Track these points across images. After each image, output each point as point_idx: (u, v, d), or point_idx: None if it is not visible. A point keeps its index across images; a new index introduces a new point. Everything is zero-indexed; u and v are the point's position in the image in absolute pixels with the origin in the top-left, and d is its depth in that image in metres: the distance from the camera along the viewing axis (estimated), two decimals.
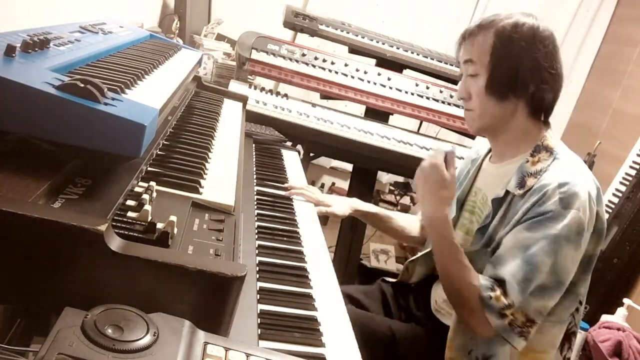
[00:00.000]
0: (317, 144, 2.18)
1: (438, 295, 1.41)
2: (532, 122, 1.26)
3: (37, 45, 0.85)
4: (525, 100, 1.23)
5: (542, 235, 1.13)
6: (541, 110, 1.25)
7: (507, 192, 1.24)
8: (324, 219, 1.51)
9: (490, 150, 1.40)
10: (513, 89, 1.21)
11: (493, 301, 1.14)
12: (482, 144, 1.49)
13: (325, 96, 2.36)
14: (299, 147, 2.21)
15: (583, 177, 1.18)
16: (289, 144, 1.92)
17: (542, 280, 1.13)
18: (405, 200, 3.61)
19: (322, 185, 3.78)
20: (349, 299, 1.45)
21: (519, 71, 1.20)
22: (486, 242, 1.24)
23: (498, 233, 1.23)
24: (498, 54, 1.21)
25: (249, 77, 2.53)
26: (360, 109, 2.50)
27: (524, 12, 1.24)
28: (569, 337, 1.27)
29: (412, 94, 2.41)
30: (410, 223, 1.62)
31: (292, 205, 1.38)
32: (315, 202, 1.47)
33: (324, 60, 2.33)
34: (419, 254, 1.49)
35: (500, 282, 1.15)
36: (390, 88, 2.38)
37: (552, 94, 1.24)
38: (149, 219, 0.71)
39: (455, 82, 2.64)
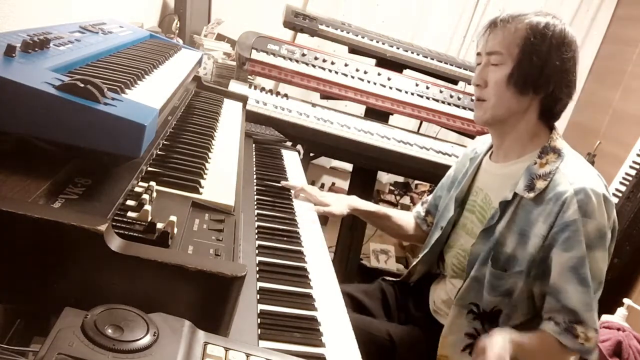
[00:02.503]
0: (317, 144, 2.18)
1: (437, 295, 1.41)
2: (541, 124, 1.26)
3: (37, 45, 0.85)
4: (541, 99, 1.23)
5: (579, 253, 1.15)
6: (553, 112, 1.25)
7: (515, 195, 1.23)
8: (324, 218, 1.51)
9: (490, 148, 1.40)
10: (535, 84, 1.21)
11: (586, 345, 1.16)
12: (479, 142, 1.48)
13: (325, 96, 2.36)
14: (299, 147, 2.21)
15: (593, 179, 1.19)
16: (289, 144, 1.92)
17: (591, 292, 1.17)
18: (405, 200, 3.61)
19: (322, 185, 3.78)
20: (350, 298, 1.44)
21: (545, 68, 1.20)
22: (494, 246, 1.24)
23: (507, 239, 1.23)
24: (529, 47, 1.20)
25: (249, 77, 2.53)
26: (360, 109, 2.50)
27: (552, 15, 1.25)
28: None
29: (412, 94, 2.41)
30: (407, 221, 1.62)
31: (292, 205, 1.38)
32: (314, 202, 1.46)
33: (324, 60, 2.33)
34: (421, 255, 1.49)
35: (572, 314, 1.16)
36: (390, 88, 2.38)
37: (567, 99, 1.24)
38: (149, 219, 0.71)
39: (455, 82, 2.64)
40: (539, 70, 1.20)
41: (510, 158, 1.30)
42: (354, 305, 1.45)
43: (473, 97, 1.33)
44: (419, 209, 1.63)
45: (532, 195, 1.20)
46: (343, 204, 1.53)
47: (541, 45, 1.19)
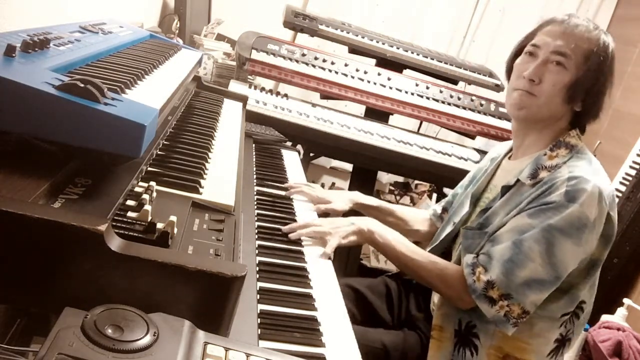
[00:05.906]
0: (317, 144, 2.18)
1: (437, 295, 1.41)
2: (565, 132, 1.27)
3: (37, 45, 0.85)
4: (577, 111, 1.24)
5: (538, 222, 1.13)
6: (581, 125, 1.27)
7: (518, 181, 1.24)
8: (325, 216, 1.51)
9: (510, 150, 1.40)
10: (585, 98, 1.22)
11: (476, 284, 1.16)
12: (503, 145, 1.49)
13: (325, 96, 2.36)
14: (299, 147, 2.21)
15: (598, 176, 1.17)
16: (289, 144, 1.92)
17: (539, 273, 1.13)
18: (405, 200, 3.61)
19: (322, 185, 3.77)
20: (353, 291, 1.44)
21: (597, 86, 1.21)
22: (483, 222, 1.25)
23: (498, 216, 1.23)
24: (594, 62, 1.20)
25: (249, 77, 2.53)
26: (360, 109, 2.50)
27: (610, 35, 1.25)
28: (563, 342, 1.25)
29: (412, 94, 2.41)
30: (413, 216, 1.62)
31: (292, 205, 1.38)
32: (315, 200, 1.46)
33: (324, 60, 2.33)
34: (427, 249, 1.48)
35: (488, 258, 1.17)
36: (390, 88, 2.38)
37: (594, 118, 1.26)
38: (149, 219, 0.71)
39: (455, 82, 2.64)
40: (593, 86, 1.20)
41: (526, 154, 1.30)
42: (357, 298, 1.45)
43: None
44: (436, 207, 1.63)
45: (531, 182, 1.20)
46: (345, 199, 1.52)
47: (603, 64, 1.20)
